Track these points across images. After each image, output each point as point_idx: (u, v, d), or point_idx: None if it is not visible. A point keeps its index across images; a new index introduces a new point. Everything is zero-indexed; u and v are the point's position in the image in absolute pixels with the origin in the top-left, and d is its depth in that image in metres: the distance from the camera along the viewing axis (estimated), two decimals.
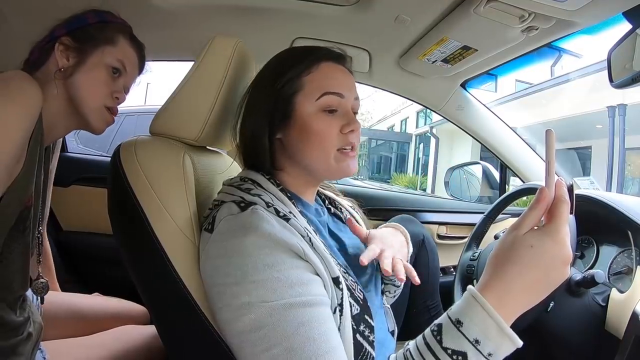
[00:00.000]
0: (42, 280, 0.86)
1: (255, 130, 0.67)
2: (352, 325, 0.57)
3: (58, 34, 0.75)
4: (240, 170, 0.73)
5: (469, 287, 0.52)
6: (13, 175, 0.62)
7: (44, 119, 0.67)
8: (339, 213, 0.83)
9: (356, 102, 0.69)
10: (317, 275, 0.56)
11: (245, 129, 0.70)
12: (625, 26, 0.85)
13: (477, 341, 0.47)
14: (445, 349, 0.49)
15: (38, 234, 0.81)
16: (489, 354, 0.47)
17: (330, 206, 0.83)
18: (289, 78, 0.66)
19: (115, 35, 0.78)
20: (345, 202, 0.87)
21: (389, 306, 0.83)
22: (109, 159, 0.71)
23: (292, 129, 0.66)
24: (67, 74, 0.73)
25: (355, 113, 0.69)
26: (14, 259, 0.68)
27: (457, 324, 0.49)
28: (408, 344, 0.54)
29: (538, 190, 0.51)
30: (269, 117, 0.66)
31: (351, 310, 0.58)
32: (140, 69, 0.85)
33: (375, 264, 0.79)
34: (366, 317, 0.60)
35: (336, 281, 0.57)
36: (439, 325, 0.51)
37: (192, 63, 0.75)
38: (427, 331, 0.52)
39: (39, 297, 0.87)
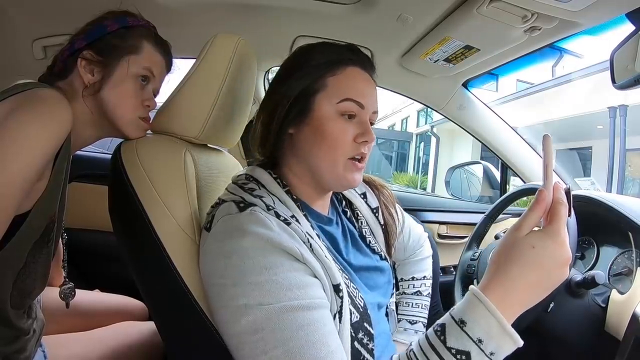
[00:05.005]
0: (68, 285, 0.87)
1: (270, 116, 0.66)
2: (351, 332, 0.56)
3: (79, 46, 0.73)
4: (242, 168, 0.73)
5: (471, 287, 0.52)
6: (37, 192, 0.63)
7: (71, 130, 0.66)
8: (353, 220, 0.78)
9: (374, 115, 0.67)
10: (316, 278, 0.55)
11: (260, 113, 0.69)
12: (628, 27, 0.85)
13: (480, 340, 0.48)
14: (449, 349, 0.49)
15: (63, 241, 0.82)
16: (491, 353, 0.48)
17: (347, 209, 0.78)
18: (313, 75, 0.64)
19: (138, 42, 0.75)
20: (366, 209, 0.80)
21: (393, 308, 0.83)
22: (109, 156, 0.71)
23: (306, 127, 0.64)
24: (95, 89, 0.72)
25: (371, 124, 0.67)
26: (37, 268, 0.68)
27: (461, 323, 0.49)
28: (411, 344, 0.54)
29: (537, 192, 0.52)
30: (285, 108, 0.64)
31: (351, 318, 0.57)
32: (168, 68, 0.82)
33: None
34: (365, 324, 0.59)
35: (336, 288, 0.57)
36: (442, 325, 0.51)
37: (194, 61, 0.74)
38: (430, 331, 0.52)
39: (40, 299, 0.87)
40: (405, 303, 0.92)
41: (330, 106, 0.63)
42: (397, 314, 0.91)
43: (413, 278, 0.94)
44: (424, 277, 0.94)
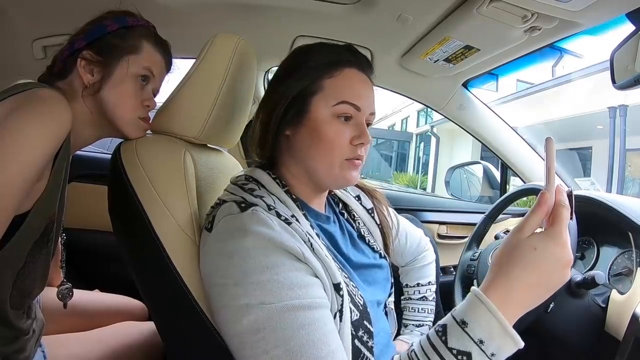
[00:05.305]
0: (66, 285, 0.87)
1: (268, 115, 0.66)
2: (351, 330, 0.57)
3: (78, 46, 0.72)
4: (242, 168, 0.73)
5: (473, 288, 0.52)
6: (37, 192, 0.63)
7: (71, 130, 0.66)
8: (351, 221, 0.79)
9: (371, 116, 0.67)
10: (317, 277, 0.55)
11: (260, 112, 0.69)
12: (628, 27, 0.85)
13: (481, 341, 0.48)
14: (450, 349, 0.49)
15: (61, 241, 0.82)
16: (492, 354, 0.48)
17: (343, 211, 0.79)
18: (311, 76, 0.64)
19: (138, 42, 0.74)
20: (361, 210, 0.81)
21: (392, 307, 0.83)
22: (109, 156, 0.71)
23: (303, 128, 0.64)
24: (95, 89, 0.71)
25: (369, 125, 0.67)
26: (36, 268, 0.68)
27: (462, 324, 0.49)
28: (412, 344, 0.54)
29: (539, 194, 0.52)
30: (282, 109, 0.64)
31: (351, 316, 0.57)
32: (168, 68, 0.82)
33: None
34: (365, 322, 0.60)
35: (337, 287, 0.57)
36: (444, 326, 0.51)
37: (194, 61, 0.74)
38: (432, 332, 0.52)
39: (40, 299, 0.87)
40: (412, 308, 0.93)
41: (326, 108, 0.63)
42: (404, 319, 0.93)
43: (418, 284, 0.95)
44: (429, 282, 0.95)
